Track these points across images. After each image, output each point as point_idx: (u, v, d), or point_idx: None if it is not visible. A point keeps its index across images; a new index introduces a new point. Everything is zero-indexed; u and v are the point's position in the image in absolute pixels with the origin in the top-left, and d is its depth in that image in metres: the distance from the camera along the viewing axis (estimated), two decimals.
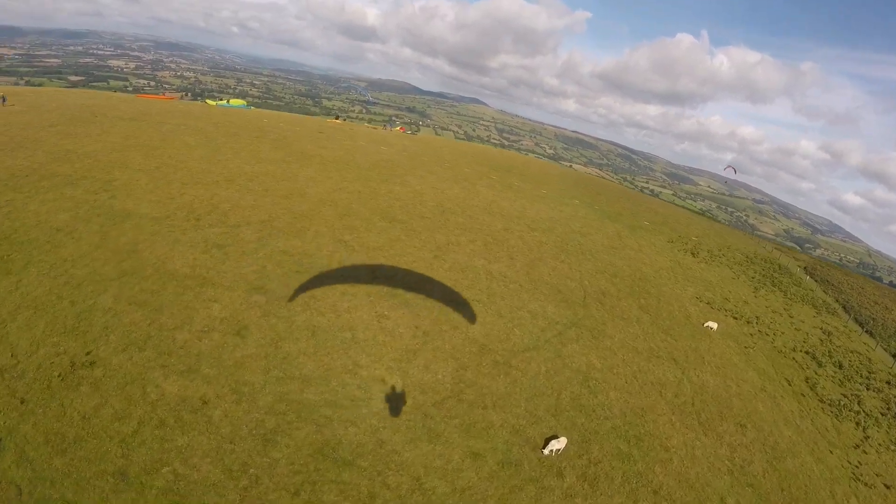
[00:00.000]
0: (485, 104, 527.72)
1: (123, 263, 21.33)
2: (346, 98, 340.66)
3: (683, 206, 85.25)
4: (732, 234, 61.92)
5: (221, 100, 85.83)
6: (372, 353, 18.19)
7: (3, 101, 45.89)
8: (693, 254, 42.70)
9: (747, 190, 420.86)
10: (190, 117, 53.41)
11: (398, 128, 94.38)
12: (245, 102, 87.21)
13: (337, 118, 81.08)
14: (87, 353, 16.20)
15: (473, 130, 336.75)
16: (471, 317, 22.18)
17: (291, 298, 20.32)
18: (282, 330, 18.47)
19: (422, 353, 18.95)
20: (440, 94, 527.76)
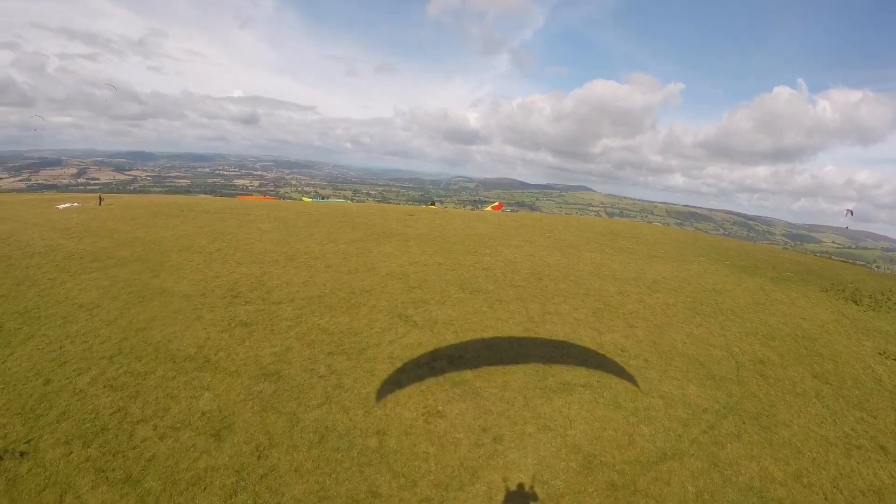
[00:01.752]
0: (592, 190, 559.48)
1: (125, 342, 19.20)
2: (458, 199, 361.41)
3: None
4: (885, 276, 49.90)
5: (324, 198, 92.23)
6: (404, 473, 12.56)
7: (100, 201, 53.66)
8: (855, 301, 32.59)
9: (873, 239, 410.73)
10: (278, 210, 56.26)
11: (495, 204, 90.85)
12: (344, 199, 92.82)
13: (433, 203, 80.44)
14: (27, 442, 13.34)
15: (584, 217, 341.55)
16: (571, 410, 15.75)
17: (309, 388, 15.99)
18: (278, 432, 13.86)
19: (485, 473, 12.83)
20: (547, 186, 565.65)
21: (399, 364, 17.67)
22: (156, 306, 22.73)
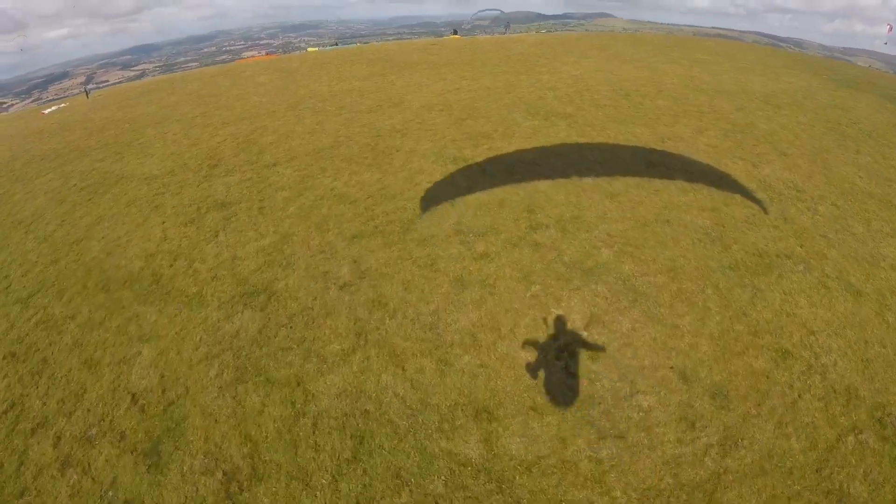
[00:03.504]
0: (612, 15, 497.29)
1: (52, 266, 11.68)
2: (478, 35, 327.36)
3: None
4: None
5: (334, 44, 78.08)
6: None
7: (87, 94, 45.01)
8: None
9: None
10: (279, 62, 45.50)
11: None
12: (356, 44, 78.76)
13: (455, 33, 64.16)
14: None
15: None
16: (800, 308, 7.91)
17: (323, 315, 8.11)
18: (268, 436, 6.32)
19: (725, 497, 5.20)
20: (565, 16, 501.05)
21: (477, 244, 9.34)
22: (107, 201, 14.82)
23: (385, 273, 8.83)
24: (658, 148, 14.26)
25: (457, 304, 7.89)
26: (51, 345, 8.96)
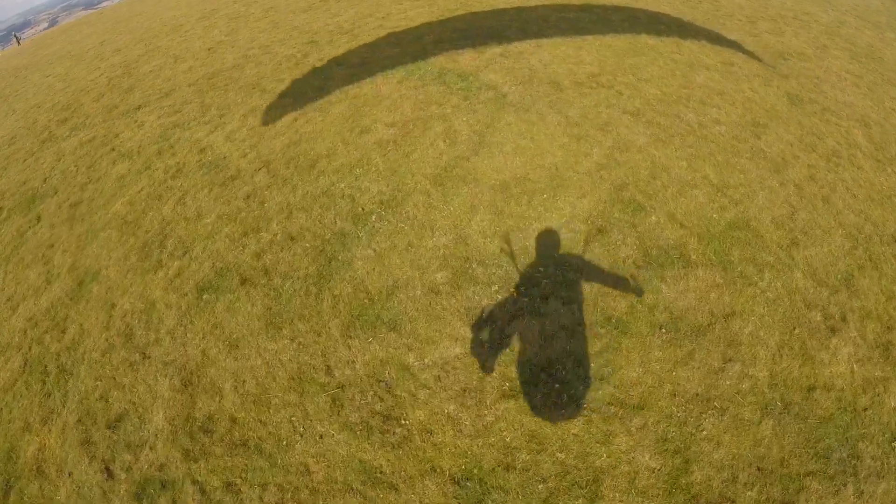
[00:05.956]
0: None
1: None
2: None
3: None
4: None
5: None
6: None
7: (18, 41, 40.93)
8: None
9: None
10: None
11: None
12: None
13: None
14: None
15: None
16: None
17: None
18: None
19: None
20: None
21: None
22: None
23: (251, 439, 3.30)
24: (786, 70, 8.08)
25: None
26: None
